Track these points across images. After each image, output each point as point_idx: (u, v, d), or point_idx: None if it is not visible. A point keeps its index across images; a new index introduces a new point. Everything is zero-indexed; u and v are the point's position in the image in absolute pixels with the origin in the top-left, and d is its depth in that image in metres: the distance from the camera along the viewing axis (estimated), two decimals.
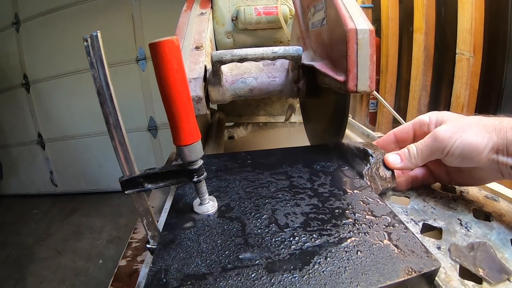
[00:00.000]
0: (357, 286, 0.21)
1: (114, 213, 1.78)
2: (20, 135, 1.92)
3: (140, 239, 0.48)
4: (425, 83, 0.89)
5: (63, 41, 1.69)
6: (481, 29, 0.73)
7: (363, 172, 0.36)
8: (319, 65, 0.39)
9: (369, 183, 0.35)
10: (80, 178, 2.00)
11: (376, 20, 1.04)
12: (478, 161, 0.30)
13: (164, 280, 0.23)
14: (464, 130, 0.30)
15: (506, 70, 0.83)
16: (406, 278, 0.22)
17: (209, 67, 0.42)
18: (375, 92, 0.50)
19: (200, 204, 0.31)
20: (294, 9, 0.51)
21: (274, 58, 0.39)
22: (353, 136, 0.72)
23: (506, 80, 0.83)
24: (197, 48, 0.45)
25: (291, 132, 0.83)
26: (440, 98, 0.99)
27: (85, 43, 0.23)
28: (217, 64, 0.39)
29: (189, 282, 0.22)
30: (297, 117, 0.81)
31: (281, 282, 0.22)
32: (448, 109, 0.83)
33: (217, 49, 0.63)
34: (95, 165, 1.95)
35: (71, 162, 1.95)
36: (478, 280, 0.25)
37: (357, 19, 0.33)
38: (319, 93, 0.46)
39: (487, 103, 0.86)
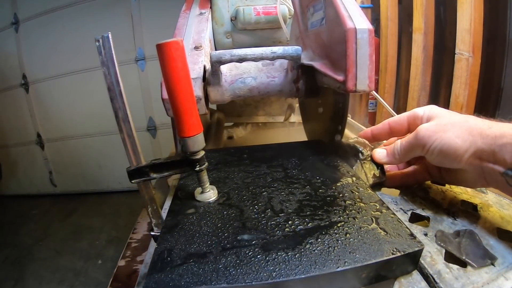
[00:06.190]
0: (344, 263, 0.23)
1: (113, 213, 1.78)
2: (19, 135, 1.92)
3: (139, 239, 0.48)
4: (424, 83, 0.89)
5: (62, 41, 1.69)
6: (480, 29, 0.74)
7: (353, 168, 0.38)
8: (318, 65, 0.39)
9: (359, 177, 0.36)
10: (79, 178, 2.00)
11: (375, 20, 1.04)
12: (458, 162, 0.29)
13: (169, 258, 0.25)
14: (446, 130, 0.29)
15: (505, 70, 0.83)
16: (390, 257, 0.24)
17: (208, 67, 0.42)
18: (374, 92, 0.50)
19: (202, 192, 0.33)
20: (293, 9, 0.51)
21: (273, 58, 0.39)
22: (352, 136, 0.72)
23: (505, 80, 0.84)
24: (196, 48, 0.45)
25: (290, 132, 0.83)
26: (439, 98, 0.99)
27: (97, 43, 0.25)
28: (216, 64, 0.39)
29: (191, 260, 0.24)
30: (296, 117, 0.81)
31: (275, 259, 0.24)
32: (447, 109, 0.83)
33: (216, 49, 0.63)
34: (94, 165, 1.94)
35: (70, 162, 1.95)
36: (462, 264, 0.26)
37: (356, 19, 0.33)
38: (318, 93, 0.46)
39: (486, 103, 0.86)
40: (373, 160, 0.37)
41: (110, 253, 1.47)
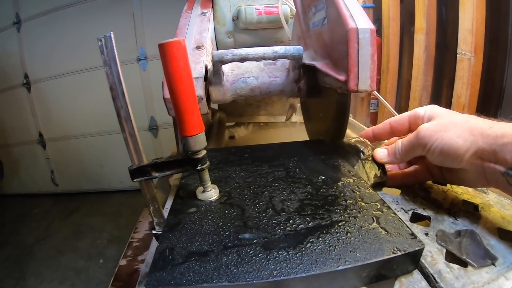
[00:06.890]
0: (345, 262, 0.23)
1: (114, 212, 1.78)
2: (21, 134, 1.93)
3: (140, 239, 0.48)
4: (426, 83, 0.89)
5: (64, 41, 1.69)
6: (482, 29, 0.73)
7: (355, 167, 0.38)
8: (320, 65, 0.39)
9: (360, 176, 0.36)
10: (80, 177, 2.00)
11: (377, 20, 1.04)
12: (459, 162, 0.29)
13: (170, 257, 0.25)
14: (447, 129, 0.29)
15: (507, 70, 0.83)
16: (391, 256, 0.24)
17: (210, 66, 0.42)
18: (375, 92, 0.50)
19: (203, 191, 0.33)
20: (295, 9, 0.51)
21: (275, 58, 0.39)
22: (353, 136, 0.72)
23: (507, 80, 0.83)
24: (198, 48, 0.45)
25: (291, 132, 0.83)
26: (441, 98, 0.99)
27: (99, 42, 0.25)
28: (218, 63, 0.39)
29: (193, 258, 0.24)
30: (297, 117, 0.81)
31: (276, 258, 0.24)
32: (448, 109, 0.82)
33: (218, 49, 0.63)
34: (96, 164, 1.95)
35: (71, 162, 1.96)
36: (463, 264, 0.26)
37: (358, 19, 0.33)
38: (320, 93, 0.46)
39: (488, 103, 0.86)
40: (374, 160, 0.37)
41: (112, 252, 1.47)
